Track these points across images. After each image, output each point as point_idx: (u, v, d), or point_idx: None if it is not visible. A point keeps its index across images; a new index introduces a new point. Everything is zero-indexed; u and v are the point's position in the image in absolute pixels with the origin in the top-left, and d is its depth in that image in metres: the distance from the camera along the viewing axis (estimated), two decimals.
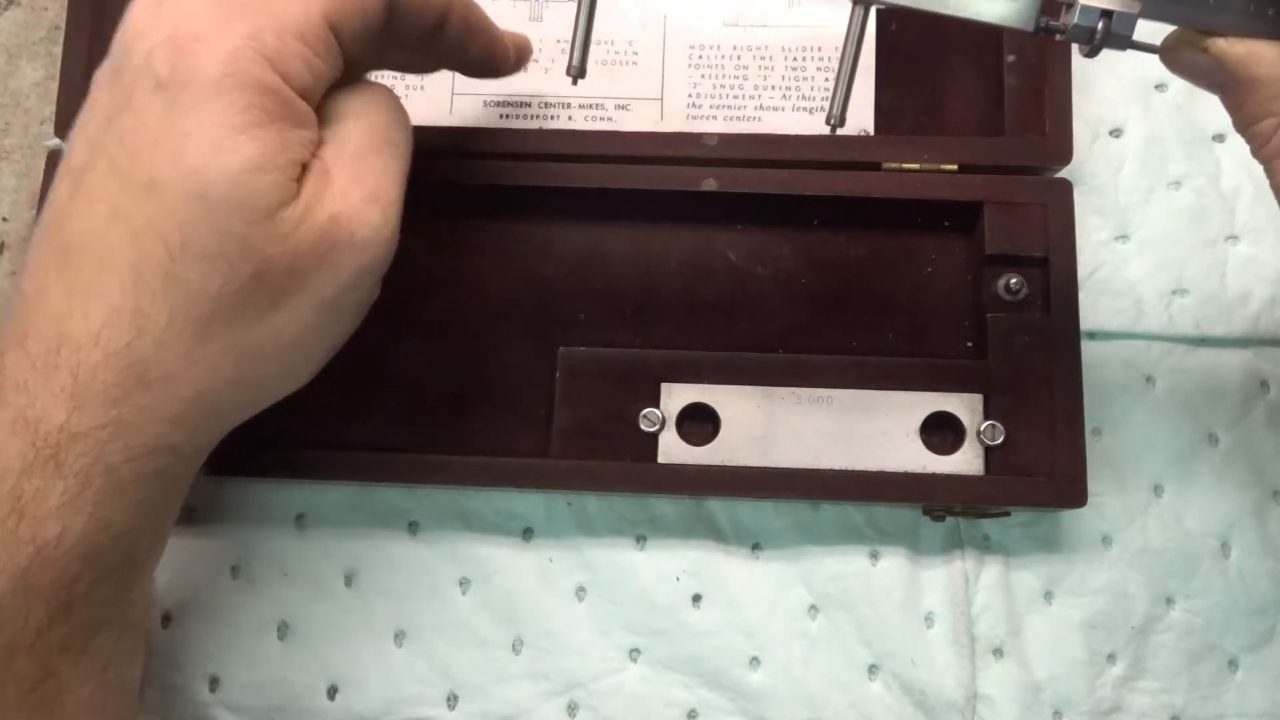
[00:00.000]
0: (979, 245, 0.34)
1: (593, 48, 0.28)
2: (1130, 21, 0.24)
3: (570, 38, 0.27)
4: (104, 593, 0.26)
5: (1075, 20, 0.24)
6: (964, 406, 0.33)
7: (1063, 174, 0.35)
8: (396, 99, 0.29)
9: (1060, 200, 0.34)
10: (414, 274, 0.36)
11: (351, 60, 0.27)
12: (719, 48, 0.37)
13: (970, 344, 0.35)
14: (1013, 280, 0.34)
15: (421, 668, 0.34)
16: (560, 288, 0.36)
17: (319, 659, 0.35)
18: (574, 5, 0.27)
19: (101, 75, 0.26)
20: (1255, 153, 0.25)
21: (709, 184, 0.34)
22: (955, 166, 0.34)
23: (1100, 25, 0.24)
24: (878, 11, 0.25)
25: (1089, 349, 0.35)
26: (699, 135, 0.35)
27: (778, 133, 0.35)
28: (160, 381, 0.25)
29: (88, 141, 0.26)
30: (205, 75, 0.24)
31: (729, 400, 0.33)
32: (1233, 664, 0.34)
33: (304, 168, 0.26)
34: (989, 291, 0.34)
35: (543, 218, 0.36)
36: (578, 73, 0.27)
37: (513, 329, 0.35)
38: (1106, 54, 0.25)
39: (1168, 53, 0.26)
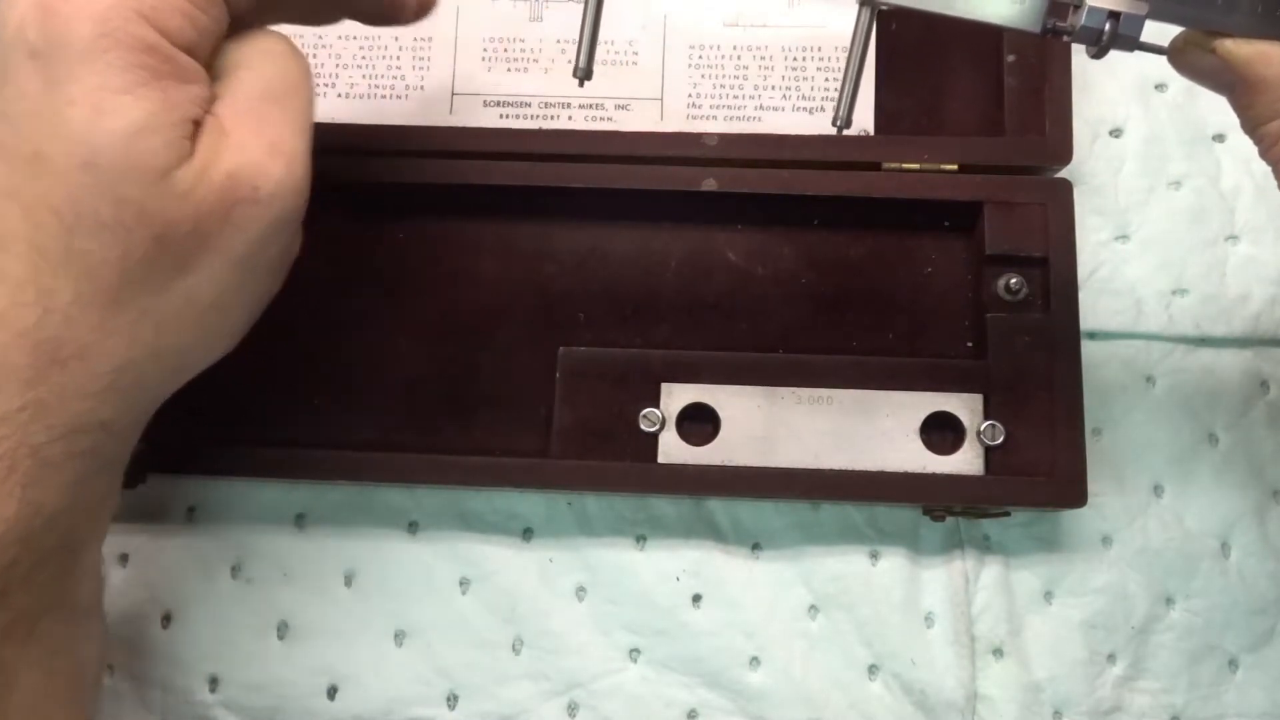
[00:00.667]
0: (979, 245, 0.34)
1: None
2: (1138, 23, 0.24)
3: (572, 39, 0.27)
4: (44, 577, 0.25)
5: (1083, 21, 0.24)
6: (964, 406, 0.33)
7: (1063, 174, 0.35)
8: (292, 45, 0.28)
9: (1060, 200, 0.34)
10: (414, 274, 0.36)
11: (239, 12, 0.26)
12: (719, 48, 0.37)
13: (970, 344, 0.35)
14: (1013, 280, 0.34)
15: (421, 668, 0.34)
16: (560, 288, 0.36)
17: (319, 659, 0.34)
18: (574, 6, 0.27)
19: None
20: (1263, 154, 0.25)
21: (709, 184, 0.34)
22: (955, 166, 0.34)
23: (1108, 26, 0.24)
24: (880, 11, 0.25)
25: (1089, 349, 0.35)
26: (699, 135, 0.35)
27: (778, 133, 0.35)
28: (75, 358, 0.24)
29: None
30: (79, 38, 0.23)
31: (729, 400, 0.33)
32: (1233, 664, 0.34)
33: (197, 125, 0.25)
34: (989, 291, 0.34)
35: (543, 218, 0.36)
36: (584, 75, 0.27)
37: (513, 329, 0.35)
38: (1107, 54, 0.25)
39: (1175, 54, 0.25)
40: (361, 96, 0.38)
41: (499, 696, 0.34)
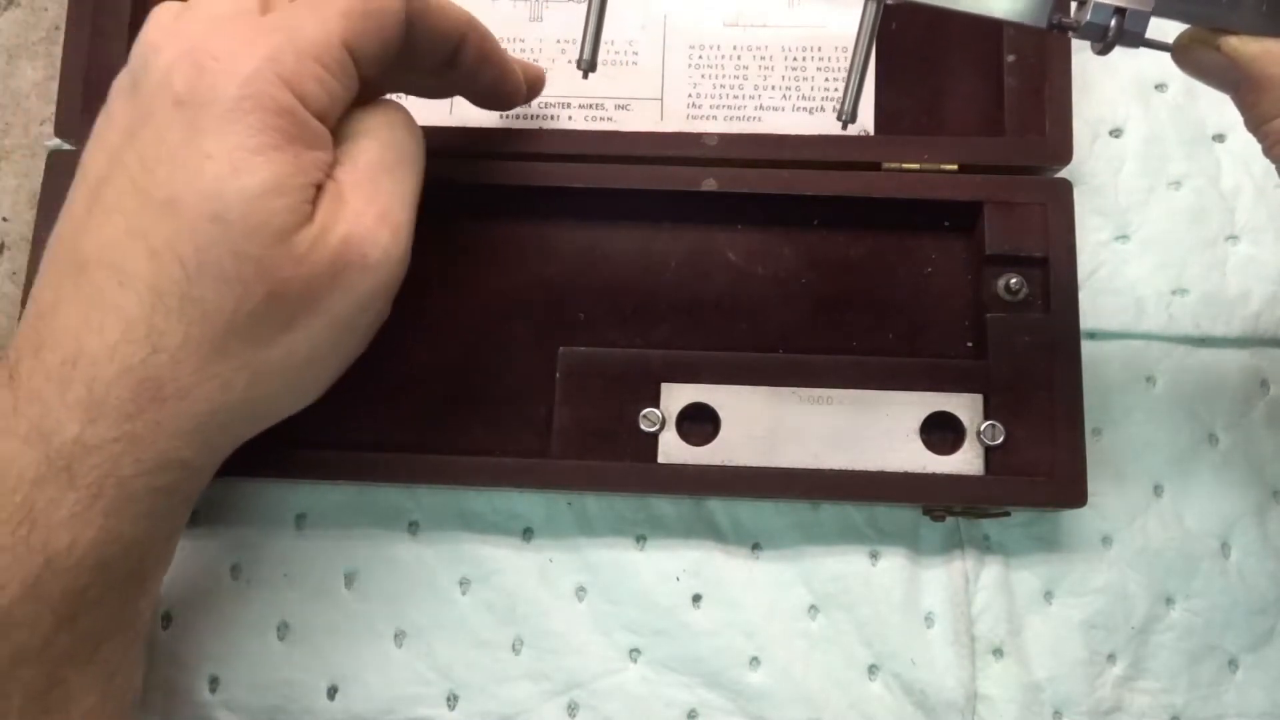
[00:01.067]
0: (979, 245, 0.34)
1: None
2: (1143, 19, 0.24)
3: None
4: (112, 603, 0.26)
5: (1088, 18, 0.24)
6: (964, 406, 0.33)
7: (1063, 174, 0.35)
8: (410, 117, 0.29)
9: (1060, 200, 0.34)
10: (415, 274, 0.36)
11: (367, 81, 0.27)
12: (719, 48, 0.37)
13: (970, 344, 0.35)
14: (1013, 280, 0.34)
15: (421, 668, 0.34)
16: (560, 288, 0.36)
17: (319, 659, 0.34)
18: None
19: (119, 86, 0.26)
20: (1267, 152, 0.25)
21: (709, 184, 0.34)
22: (955, 166, 0.34)
23: (1113, 23, 0.24)
24: (882, 10, 0.25)
25: (1089, 349, 0.35)
26: (699, 135, 0.35)
27: (778, 133, 0.35)
28: (174, 398, 0.25)
29: (107, 154, 0.26)
30: (224, 96, 0.24)
31: (729, 400, 0.33)
32: (1233, 664, 0.34)
33: (319, 189, 0.26)
34: (989, 291, 0.34)
35: (543, 218, 0.36)
36: (588, 67, 0.27)
37: (513, 329, 0.35)
38: (1112, 50, 0.25)
39: (1180, 51, 0.25)
40: None
41: (499, 696, 0.34)
